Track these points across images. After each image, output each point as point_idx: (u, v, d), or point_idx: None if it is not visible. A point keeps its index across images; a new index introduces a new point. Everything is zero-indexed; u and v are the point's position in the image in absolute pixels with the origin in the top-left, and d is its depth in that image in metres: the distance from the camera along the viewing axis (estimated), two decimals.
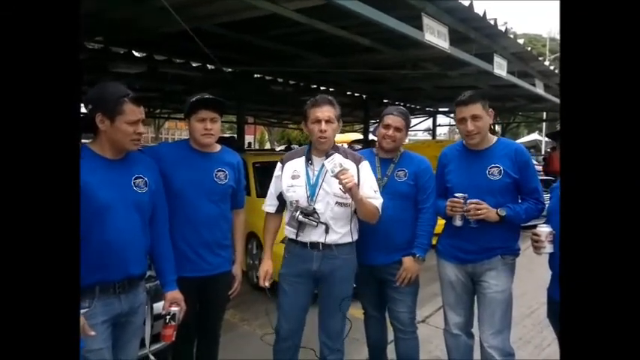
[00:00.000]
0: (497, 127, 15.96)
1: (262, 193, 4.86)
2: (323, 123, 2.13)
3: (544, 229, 2.02)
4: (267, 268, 2.28)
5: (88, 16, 4.56)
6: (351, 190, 2.01)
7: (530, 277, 3.34)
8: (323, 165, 2.11)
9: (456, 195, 2.23)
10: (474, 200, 2.18)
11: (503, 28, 4.96)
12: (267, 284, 2.25)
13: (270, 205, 2.34)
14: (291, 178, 2.22)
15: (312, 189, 2.16)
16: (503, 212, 2.19)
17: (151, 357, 1.91)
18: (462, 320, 2.39)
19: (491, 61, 5.12)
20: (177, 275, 1.99)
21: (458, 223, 2.25)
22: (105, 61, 6.36)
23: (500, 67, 5.24)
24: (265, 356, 2.40)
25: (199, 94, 2.15)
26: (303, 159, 2.25)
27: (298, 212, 2.13)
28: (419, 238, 2.39)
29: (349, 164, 2.16)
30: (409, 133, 2.69)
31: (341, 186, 2.01)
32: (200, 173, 2.15)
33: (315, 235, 2.16)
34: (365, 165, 2.24)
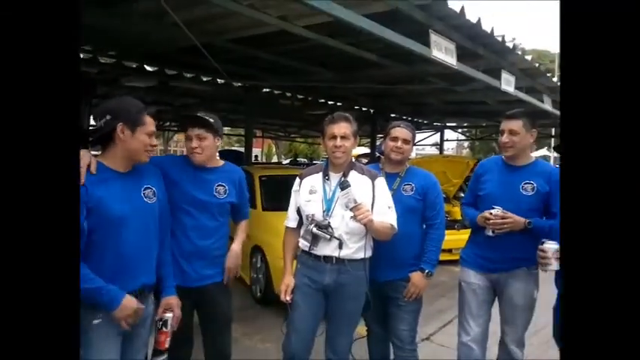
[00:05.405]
0: None
1: (268, 206, 4.89)
2: (338, 139, 2.18)
3: (551, 246, 1.99)
4: (288, 282, 2.26)
5: (101, 31, 4.67)
6: (366, 225, 2.07)
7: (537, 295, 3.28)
8: (339, 180, 2.15)
9: (493, 212, 2.29)
10: (499, 214, 2.27)
11: (511, 45, 4.97)
12: (288, 299, 2.24)
13: (291, 219, 2.36)
14: (308, 193, 2.25)
15: (328, 204, 2.18)
16: (530, 224, 2.27)
17: None
18: (480, 330, 2.41)
19: (499, 77, 5.12)
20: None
21: (490, 233, 2.33)
22: (117, 75, 6.49)
23: (507, 83, 5.23)
24: None
25: (197, 112, 2.20)
26: (320, 174, 2.28)
27: (312, 225, 2.16)
28: (428, 253, 2.38)
29: (365, 180, 2.22)
30: (416, 147, 2.74)
31: (354, 218, 2.06)
32: (200, 187, 2.19)
33: (328, 249, 2.17)
34: (380, 181, 2.26)
